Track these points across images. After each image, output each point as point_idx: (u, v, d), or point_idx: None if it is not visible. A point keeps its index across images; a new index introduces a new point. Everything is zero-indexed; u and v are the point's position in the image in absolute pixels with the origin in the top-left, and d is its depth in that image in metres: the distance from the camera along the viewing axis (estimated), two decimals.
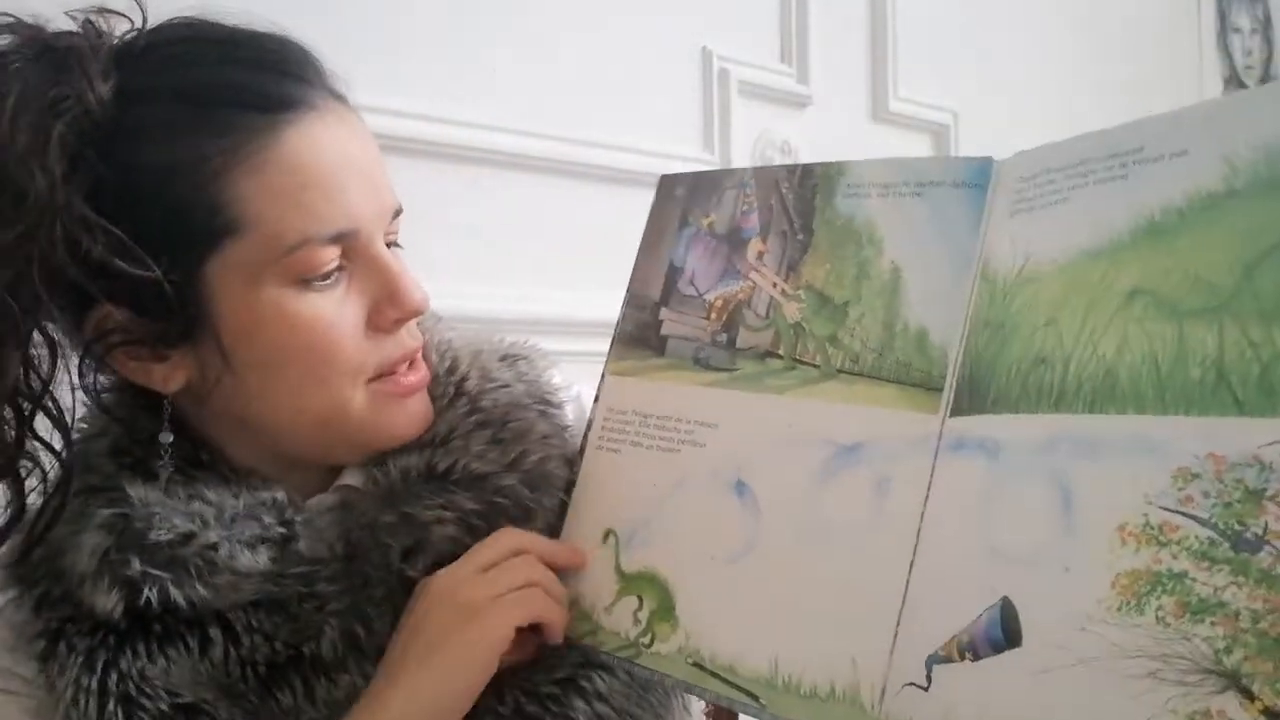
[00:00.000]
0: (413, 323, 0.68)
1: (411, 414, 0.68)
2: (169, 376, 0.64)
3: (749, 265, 0.70)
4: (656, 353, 0.72)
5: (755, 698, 0.61)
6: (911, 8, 1.94)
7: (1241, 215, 0.48)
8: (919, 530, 0.57)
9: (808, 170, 0.68)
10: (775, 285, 0.68)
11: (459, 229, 1.33)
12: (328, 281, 0.63)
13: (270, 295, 0.62)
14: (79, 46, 0.61)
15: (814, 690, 0.59)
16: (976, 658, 0.52)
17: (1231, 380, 0.45)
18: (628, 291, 0.75)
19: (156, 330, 0.62)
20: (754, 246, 0.70)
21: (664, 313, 0.73)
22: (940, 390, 0.59)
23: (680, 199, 0.75)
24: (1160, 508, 0.46)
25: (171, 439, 0.66)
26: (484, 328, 0.79)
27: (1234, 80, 2.69)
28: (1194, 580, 0.45)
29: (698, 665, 0.63)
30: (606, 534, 0.70)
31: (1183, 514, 0.46)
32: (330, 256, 0.62)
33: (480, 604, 0.63)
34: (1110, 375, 0.50)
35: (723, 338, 0.69)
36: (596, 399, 0.74)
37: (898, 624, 0.56)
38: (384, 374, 0.66)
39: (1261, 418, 0.44)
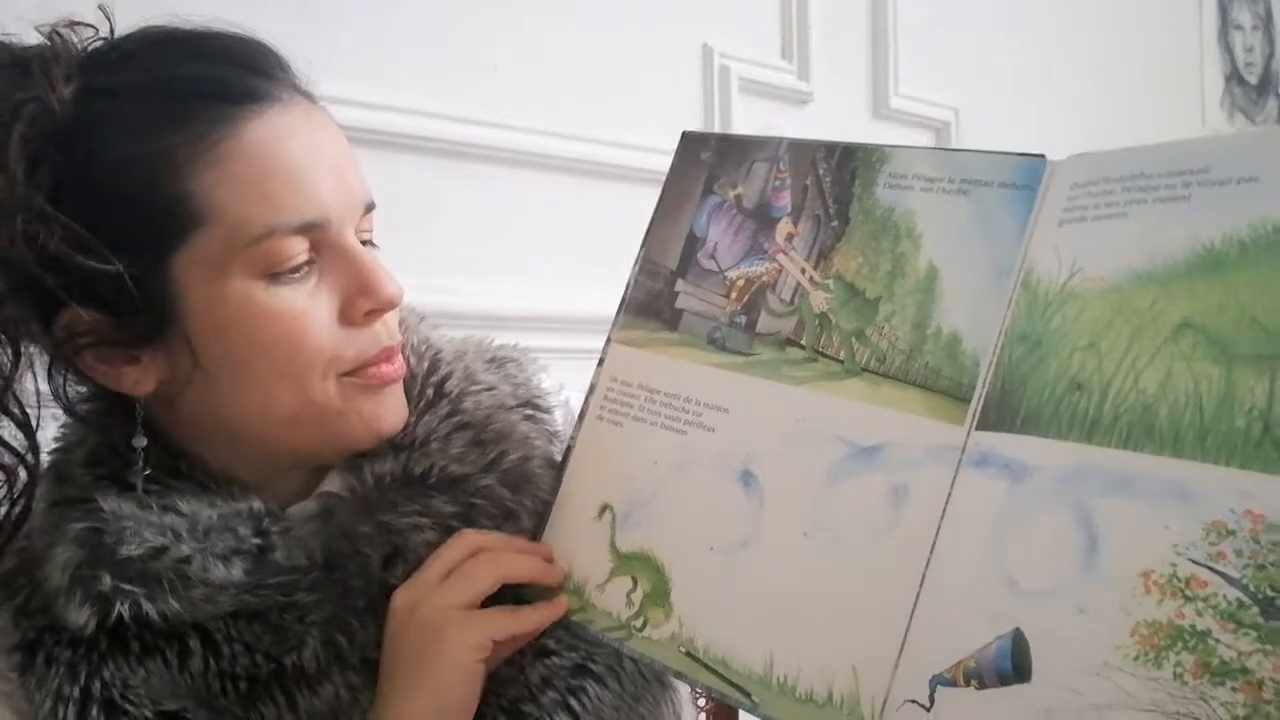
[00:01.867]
0: (390, 319, 0.67)
1: (384, 408, 0.67)
2: (140, 379, 0.64)
3: (777, 247, 0.67)
4: (669, 326, 0.70)
5: (748, 695, 0.60)
6: (912, 5, 1.97)
7: None
8: (934, 544, 0.56)
9: (848, 152, 0.66)
10: (804, 272, 0.66)
11: (459, 225, 1.35)
12: (297, 275, 0.62)
13: (238, 288, 0.61)
14: (43, 53, 0.61)
15: (810, 694, 0.58)
16: (982, 686, 0.52)
17: (1279, 435, 0.43)
18: (642, 256, 0.73)
19: (125, 330, 0.62)
20: (783, 228, 0.67)
21: (680, 285, 0.71)
22: (968, 401, 0.57)
23: (706, 163, 0.71)
24: (1190, 560, 0.45)
25: (145, 443, 0.65)
26: (476, 329, 0.79)
27: (1235, 77, 2.76)
28: (1218, 641, 0.43)
29: (690, 655, 0.63)
30: (603, 509, 0.68)
31: (1212, 569, 0.44)
32: (298, 248, 0.62)
33: (443, 620, 0.63)
34: (1149, 412, 0.48)
35: (741, 320, 0.67)
36: (601, 363, 0.72)
37: (905, 637, 0.56)
38: (359, 369, 0.65)
39: None
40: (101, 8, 0.65)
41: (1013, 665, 0.50)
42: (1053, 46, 2.24)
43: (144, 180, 0.60)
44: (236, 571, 0.63)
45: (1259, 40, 2.84)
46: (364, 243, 0.66)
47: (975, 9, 2.10)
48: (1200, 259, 0.49)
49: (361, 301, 0.64)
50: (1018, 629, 0.51)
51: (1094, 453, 0.50)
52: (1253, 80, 2.81)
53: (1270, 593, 0.42)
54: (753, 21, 1.73)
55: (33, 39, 0.63)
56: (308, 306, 0.63)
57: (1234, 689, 0.42)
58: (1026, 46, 2.18)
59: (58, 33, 0.63)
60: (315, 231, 0.62)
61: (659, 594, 0.65)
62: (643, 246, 0.73)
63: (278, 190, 0.61)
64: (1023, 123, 2.05)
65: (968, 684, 0.52)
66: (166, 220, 0.60)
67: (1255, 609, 0.43)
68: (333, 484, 0.69)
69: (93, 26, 0.64)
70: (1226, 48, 2.74)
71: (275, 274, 0.61)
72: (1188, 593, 0.45)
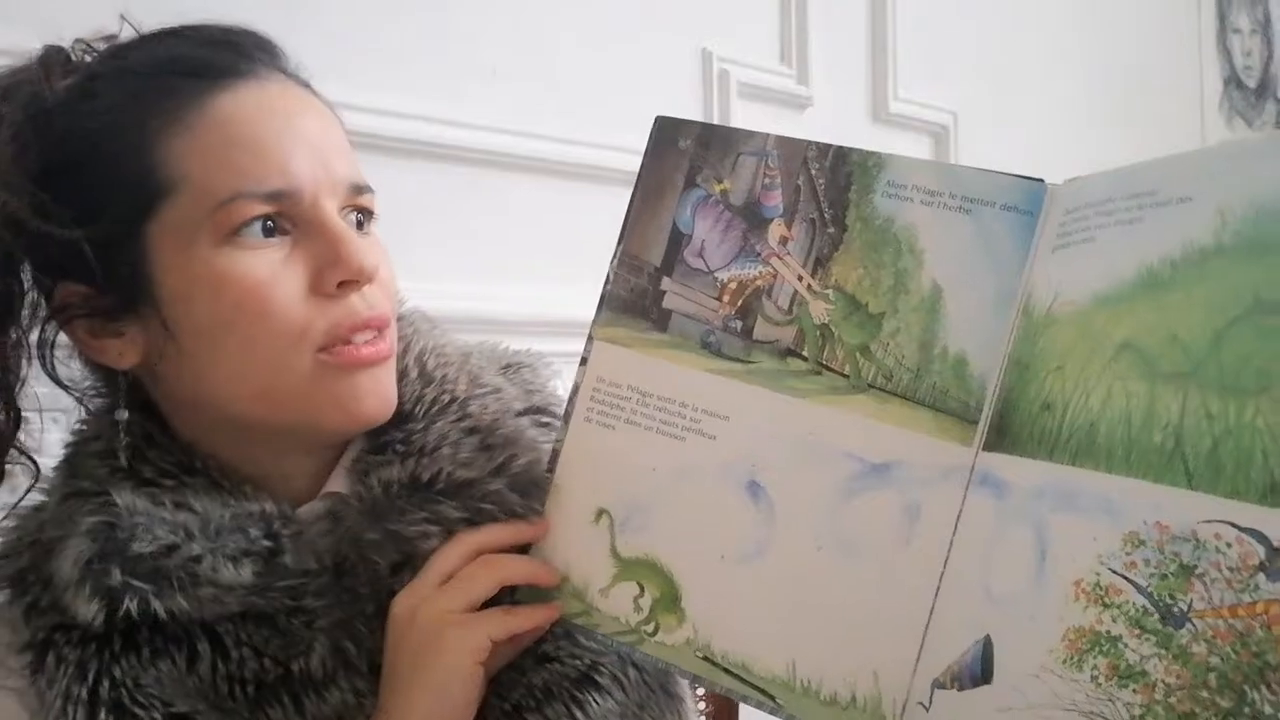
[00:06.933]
0: (371, 293, 0.68)
1: (363, 390, 0.68)
2: (124, 352, 0.68)
3: (770, 250, 0.69)
4: (657, 326, 0.71)
5: (771, 697, 0.66)
6: (911, 8, 1.99)
7: (1222, 276, 0.49)
8: (946, 559, 0.61)
9: (841, 154, 0.67)
10: (801, 279, 0.68)
11: (460, 230, 1.41)
12: (262, 240, 0.65)
13: (202, 255, 0.64)
14: (46, 55, 0.69)
15: (834, 697, 0.64)
16: (961, 688, 0.58)
17: (1186, 450, 0.48)
18: (621, 250, 0.73)
19: (105, 300, 0.66)
20: (776, 230, 0.69)
21: (667, 283, 0.71)
22: (976, 422, 0.61)
23: (686, 152, 0.72)
24: (1110, 569, 0.50)
25: (127, 415, 0.69)
26: (472, 334, 0.82)
27: (1233, 81, 2.78)
28: (1126, 645, 0.48)
29: (708, 659, 0.68)
30: (599, 514, 0.71)
31: (1126, 579, 0.49)
32: (259, 213, 0.64)
33: (442, 624, 0.65)
34: (1093, 430, 0.53)
35: (736, 325, 0.69)
36: (584, 361, 0.73)
37: (921, 644, 0.61)
38: (334, 343, 0.66)
39: (1204, 494, 0.47)
40: (123, 16, 0.71)
41: (981, 668, 0.56)
42: (1051, 51, 2.27)
43: (118, 151, 0.64)
44: (246, 573, 0.66)
45: (1257, 44, 2.87)
46: (358, 224, 0.69)
47: (974, 13, 2.14)
48: (1143, 280, 0.53)
49: (330, 273, 0.66)
50: (988, 635, 0.57)
51: (1053, 470, 0.55)
52: (1251, 84, 2.83)
53: (1168, 600, 0.47)
54: (752, 26, 1.78)
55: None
56: (273, 274, 0.65)
57: (1134, 690, 0.47)
58: (1025, 51, 2.22)
59: (82, 41, 0.69)
60: (285, 202, 0.65)
61: (669, 600, 0.68)
62: (621, 239, 0.73)
63: (243, 159, 0.64)
64: (1021, 127, 2.10)
65: (953, 686, 0.58)
66: (137, 190, 0.64)
67: (1156, 616, 0.47)
68: (339, 484, 0.71)
69: (95, 47, 0.70)
70: (1225, 51, 2.77)
71: (236, 240, 0.64)
72: (1106, 600, 0.49)
